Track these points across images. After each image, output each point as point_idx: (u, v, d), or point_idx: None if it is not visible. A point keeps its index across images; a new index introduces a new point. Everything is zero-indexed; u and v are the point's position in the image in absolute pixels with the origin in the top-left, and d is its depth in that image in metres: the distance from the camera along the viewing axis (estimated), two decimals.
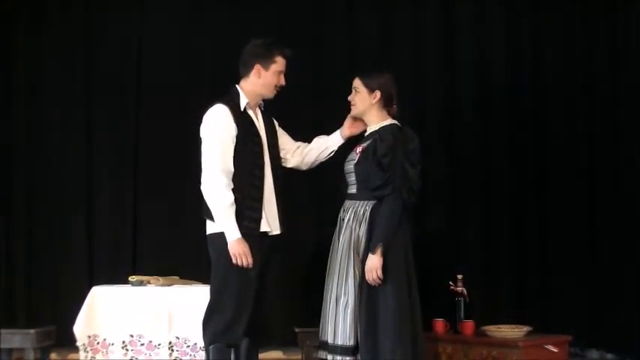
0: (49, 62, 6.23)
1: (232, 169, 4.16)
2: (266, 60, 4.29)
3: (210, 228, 4.24)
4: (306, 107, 6.28)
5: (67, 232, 6.15)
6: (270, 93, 4.35)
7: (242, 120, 4.23)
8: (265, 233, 4.25)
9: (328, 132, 6.15)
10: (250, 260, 4.12)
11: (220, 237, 4.16)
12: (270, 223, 4.28)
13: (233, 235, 4.11)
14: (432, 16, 6.43)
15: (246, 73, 4.33)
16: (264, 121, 4.40)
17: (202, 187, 4.17)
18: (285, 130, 6.14)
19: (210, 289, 4.25)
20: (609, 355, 6.01)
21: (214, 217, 4.15)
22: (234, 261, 4.10)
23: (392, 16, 6.40)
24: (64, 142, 6.20)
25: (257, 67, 4.29)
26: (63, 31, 6.25)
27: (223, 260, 4.16)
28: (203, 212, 4.24)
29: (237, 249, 4.10)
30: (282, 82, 4.35)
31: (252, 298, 4.17)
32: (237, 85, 4.34)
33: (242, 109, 4.26)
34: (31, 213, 6.16)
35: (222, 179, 4.11)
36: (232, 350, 4.24)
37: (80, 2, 6.27)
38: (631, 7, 6.17)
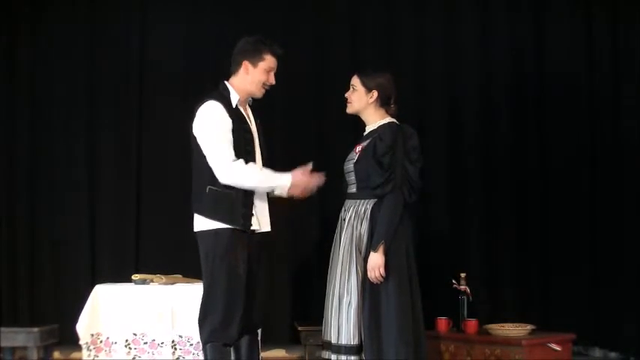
0: (51, 62, 6.24)
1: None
2: (254, 57, 4.25)
3: (199, 225, 4.19)
4: (307, 106, 6.29)
5: (70, 230, 6.16)
6: (258, 91, 4.30)
7: (234, 116, 4.20)
8: (254, 230, 4.23)
9: (329, 131, 6.21)
10: (314, 181, 4.16)
11: (209, 234, 4.13)
12: (261, 220, 4.25)
13: (286, 180, 4.15)
14: (434, 15, 6.43)
15: (235, 69, 4.28)
16: (253, 118, 4.38)
17: (226, 180, 4.10)
18: (286, 129, 6.17)
19: (203, 288, 4.22)
20: (612, 354, 6.00)
21: (263, 189, 4.16)
22: (296, 193, 4.16)
23: (394, 15, 6.39)
24: (66, 141, 6.22)
25: (245, 63, 4.25)
26: (65, 31, 6.26)
27: (212, 258, 4.13)
28: (195, 208, 4.20)
29: (300, 182, 4.15)
30: (272, 80, 4.30)
31: (244, 295, 4.13)
32: (226, 82, 4.31)
33: (234, 105, 4.24)
34: (34, 212, 6.17)
35: (238, 161, 4.09)
36: (233, 349, 4.23)
37: (82, 2, 6.27)
38: (633, 7, 6.17)
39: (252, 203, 4.19)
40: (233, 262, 4.10)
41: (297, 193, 4.16)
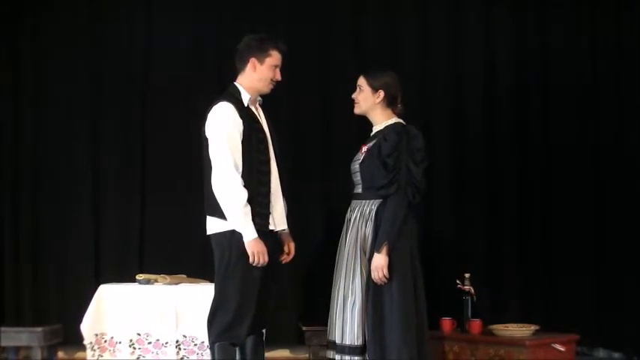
0: (55, 62, 6.23)
1: (241, 167, 4.15)
2: (261, 54, 4.28)
3: (214, 227, 4.21)
4: (311, 106, 6.29)
5: (75, 230, 6.16)
6: (266, 87, 4.33)
7: (246, 116, 4.22)
8: (272, 230, 4.26)
9: (333, 130, 6.22)
10: (267, 259, 4.12)
11: (225, 236, 4.15)
12: (277, 219, 4.28)
13: (250, 235, 4.10)
14: (439, 15, 6.42)
15: (242, 67, 4.31)
16: (264, 117, 4.39)
17: (214, 187, 4.13)
18: (290, 128, 6.17)
19: (215, 288, 4.25)
20: (616, 354, 6.00)
21: (229, 216, 4.12)
22: (251, 260, 4.09)
23: (399, 15, 6.39)
24: (70, 141, 6.22)
25: (252, 60, 4.27)
26: (68, 30, 6.26)
27: (227, 259, 4.15)
28: (208, 210, 4.22)
29: (256, 248, 4.10)
30: (278, 76, 4.33)
31: (256, 296, 4.16)
32: (235, 82, 4.33)
33: (245, 105, 4.25)
34: (38, 212, 6.17)
35: (236, 177, 4.10)
36: (238, 349, 4.25)
37: (85, 2, 6.27)
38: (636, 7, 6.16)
39: (269, 203, 4.20)
40: (248, 263, 4.11)
41: (249, 252, 4.11)
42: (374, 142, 4.37)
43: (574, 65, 6.37)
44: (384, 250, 4.19)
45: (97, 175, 6.22)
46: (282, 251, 4.41)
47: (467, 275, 5.19)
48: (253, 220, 4.12)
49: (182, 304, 5.00)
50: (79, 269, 6.11)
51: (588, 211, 6.28)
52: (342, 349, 4.30)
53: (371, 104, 4.42)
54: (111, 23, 6.27)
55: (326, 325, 4.45)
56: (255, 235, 4.11)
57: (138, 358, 4.97)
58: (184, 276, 5.31)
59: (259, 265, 4.12)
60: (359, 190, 4.41)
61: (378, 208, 4.28)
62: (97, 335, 5.00)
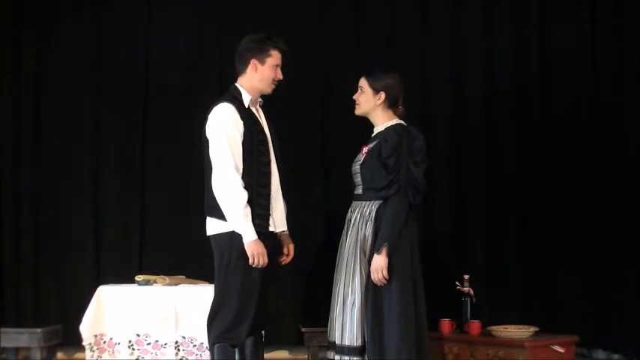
0: (56, 62, 6.24)
1: (241, 168, 4.15)
2: (261, 54, 4.28)
3: (214, 228, 4.21)
4: (312, 105, 6.29)
5: (74, 231, 6.16)
6: (268, 87, 4.33)
7: (247, 117, 4.22)
8: (271, 231, 4.26)
9: (333, 131, 6.22)
10: (266, 260, 4.12)
11: (224, 237, 4.16)
12: (277, 220, 4.29)
13: (250, 236, 4.11)
14: (439, 15, 6.42)
15: (242, 69, 4.31)
16: (264, 118, 4.39)
17: (215, 188, 4.13)
18: (291, 129, 6.17)
19: (215, 290, 4.25)
20: (616, 356, 5.99)
21: (228, 217, 4.12)
22: (250, 261, 4.10)
23: (399, 15, 6.39)
24: (70, 142, 6.22)
25: (253, 61, 4.28)
26: (71, 31, 6.26)
27: (227, 260, 4.15)
28: (208, 211, 4.22)
29: (256, 249, 4.10)
30: (280, 75, 4.33)
31: (256, 297, 4.17)
32: (236, 84, 4.33)
33: (246, 106, 4.25)
34: (38, 212, 6.18)
35: (236, 179, 4.10)
36: (237, 350, 4.25)
37: (88, 2, 6.27)
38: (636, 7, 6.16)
39: (269, 204, 4.21)
40: (248, 264, 4.12)
41: (249, 253, 4.12)
42: (375, 143, 4.37)
43: (574, 65, 6.36)
44: (384, 251, 4.19)
45: (97, 176, 6.22)
46: (281, 252, 4.41)
47: (466, 277, 5.19)
48: (253, 221, 4.12)
49: (181, 305, 5.01)
50: (79, 270, 6.12)
51: (588, 212, 6.27)
52: (342, 350, 4.30)
53: (372, 106, 4.42)
54: (112, 23, 6.27)
55: (326, 326, 4.45)
56: (255, 236, 4.11)
57: (137, 359, 4.97)
58: (184, 277, 5.32)
59: (259, 267, 4.12)
60: (359, 191, 4.41)
61: (378, 209, 4.28)
62: (96, 336, 5.01)
